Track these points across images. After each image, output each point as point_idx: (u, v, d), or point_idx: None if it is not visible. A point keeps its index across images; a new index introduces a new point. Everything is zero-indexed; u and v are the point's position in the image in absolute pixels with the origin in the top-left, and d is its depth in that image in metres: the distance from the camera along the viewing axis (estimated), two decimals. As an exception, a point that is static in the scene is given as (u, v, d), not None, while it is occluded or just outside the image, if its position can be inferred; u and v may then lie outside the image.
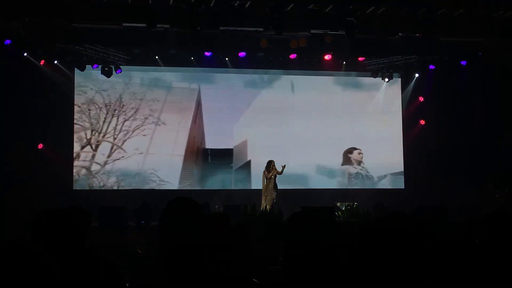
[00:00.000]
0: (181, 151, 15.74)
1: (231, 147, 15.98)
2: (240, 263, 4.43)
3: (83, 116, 15.28)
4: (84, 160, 15.19)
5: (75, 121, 15.16)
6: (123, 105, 15.55)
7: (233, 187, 15.74)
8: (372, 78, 16.19)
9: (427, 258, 2.10)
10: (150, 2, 11.47)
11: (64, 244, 2.96)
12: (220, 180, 15.85)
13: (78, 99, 15.27)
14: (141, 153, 15.44)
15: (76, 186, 14.98)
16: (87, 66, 14.70)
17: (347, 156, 16.44)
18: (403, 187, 16.44)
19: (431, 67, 15.82)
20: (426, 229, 2.15)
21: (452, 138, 16.07)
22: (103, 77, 14.95)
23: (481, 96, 15.67)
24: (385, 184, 16.46)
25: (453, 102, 16.20)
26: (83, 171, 15.16)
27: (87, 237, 3.21)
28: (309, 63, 15.74)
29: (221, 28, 11.98)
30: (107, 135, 15.40)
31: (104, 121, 15.39)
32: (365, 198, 14.68)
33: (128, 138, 15.47)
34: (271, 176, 13.58)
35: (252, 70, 15.98)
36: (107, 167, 15.26)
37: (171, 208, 2.65)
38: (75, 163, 15.08)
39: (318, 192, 15.45)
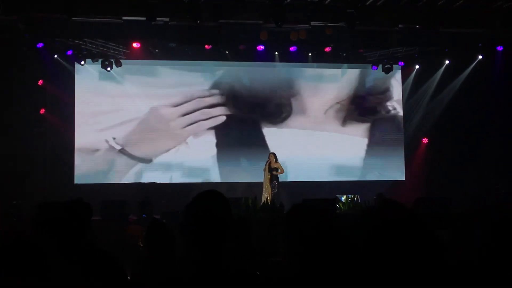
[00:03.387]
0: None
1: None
2: (242, 256, 4.44)
3: (84, 109, 15.23)
4: (85, 154, 15.15)
5: (75, 114, 15.12)
6: (121, 99, 15.52)
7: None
8: (372, 69, 16.15)
9: (419, 249, 2.07)
10: (150, -5, 11.42)
11: (65, 237, 2.97)
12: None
13: (78, 93, 15.23)
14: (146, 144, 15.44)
15: (77, 180, 14.97)
16: (87, 60, 14.66)
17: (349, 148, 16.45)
18: (404, 179, 16.42)
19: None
20: (419, 218, 2.13)
21: (453, 129, 16.04)
22: (103, 71, 14.93)
23: (482, 87, 15.67)
24: (386, 176, 16.43)
25: (454, 92, 16.21)
26: (85, 164, 15.12)
27: (88, 230, 3.21)
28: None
29: (220, 21, 11.94)
30: (109, 128, 15.36)
31: (104, 114, 15.35)
32: (366, 190, 14.63)
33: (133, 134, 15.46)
34: (268, 168, 13.56)
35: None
36: (108, 160, 15.24)
37: (202, 203, 2.56)
38: (76, 156, 15.05)
39: (319, 184, 15.42)
